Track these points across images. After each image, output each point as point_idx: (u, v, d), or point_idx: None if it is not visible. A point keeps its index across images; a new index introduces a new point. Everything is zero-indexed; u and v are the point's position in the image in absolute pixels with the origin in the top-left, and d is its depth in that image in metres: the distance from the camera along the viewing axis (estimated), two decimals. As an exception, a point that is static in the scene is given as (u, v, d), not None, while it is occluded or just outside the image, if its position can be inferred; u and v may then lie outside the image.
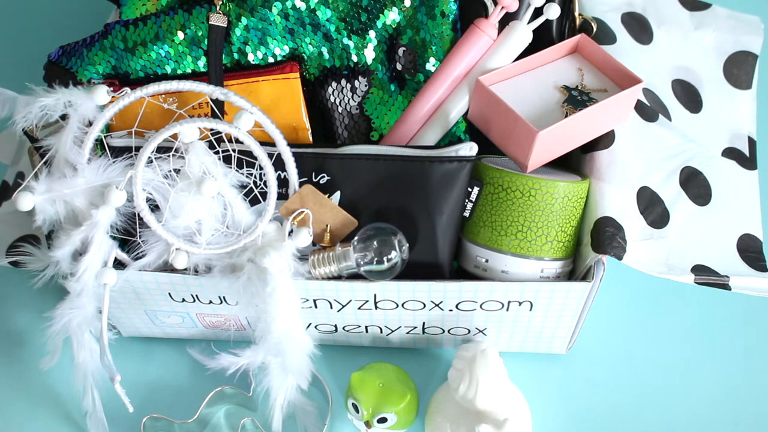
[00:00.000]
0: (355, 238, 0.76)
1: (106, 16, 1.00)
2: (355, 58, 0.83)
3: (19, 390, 0.89)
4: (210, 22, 0.81)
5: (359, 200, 0.78)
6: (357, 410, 0.82)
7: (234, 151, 0.76)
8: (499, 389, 0.80)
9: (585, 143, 0.81)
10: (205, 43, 0.82)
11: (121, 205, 0.75)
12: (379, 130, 0.84)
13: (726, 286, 0.78)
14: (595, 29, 0.86)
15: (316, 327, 0.86)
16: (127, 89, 0.76)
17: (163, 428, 0.85)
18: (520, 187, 0.77)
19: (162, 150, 0.76)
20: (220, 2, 0.81)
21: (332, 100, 0.84)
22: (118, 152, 0.78)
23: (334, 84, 0.84)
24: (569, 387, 0.89)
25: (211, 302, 0.82)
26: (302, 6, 0.81)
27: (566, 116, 0.78)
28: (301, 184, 0.78)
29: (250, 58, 0.83)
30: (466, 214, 0.80)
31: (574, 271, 0.81)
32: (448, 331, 0.86)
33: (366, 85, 0.84)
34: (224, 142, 0.77)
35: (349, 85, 0.84)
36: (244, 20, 0.81)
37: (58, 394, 0.89)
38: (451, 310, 0.81)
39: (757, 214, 0.85)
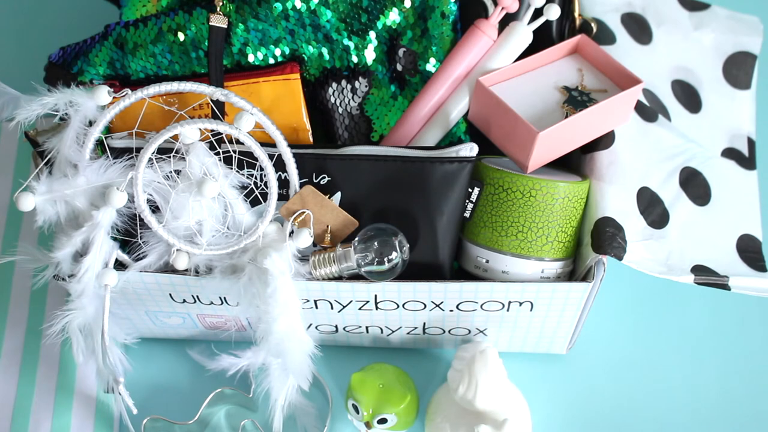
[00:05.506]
0: (356, 238, 0.76)
1: (107, 16, 1.00)
2: (355, 59, 0.83)
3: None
4: (210, 23, 0.81)
5: (360, 201, 0.78)
6: (357, 411, 0.82)
7: (235, 152, 0.76)
8: (499, 390, 0.80)
9: (585, 143, 0.81)
10: (206, 44, 0.82)
11: (122, 206, 0.75)
12: (380, 131, 0.84)
13: (726, 287, 0.78)
14: (594, 30, 0.86)
15: (316, 327, 0.86)
16: (128, 90, 0.76)
17: (164, 429, 0.85)
18: (520, 187, 0.77)
19: (163, 151, 0.76)
20: (221, 3, 0.81)
21: (332, 101, 0.84)
22: (118, 153, 0.78)
23: (334, 85, 0.84)
24: (569, 387, 0.90)
25: (211, 303, 0.82)
26: (302, 7, 0.81)
27: (566, 117, 0.78)
28: (301, 185, 0.78)
29: (251, 59, 0.83)
30: (467, 214, 0.80)
31: (575, 271, 0.81)
32: (449, 332, 0.86)
33: (366, 86, 0.84)
34: (225, 143, 0.77)
35: (349, 86, 0.84)
36: (244, 21, 0.81)
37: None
38: (451, 311, 0.81)
39: (757, 214, 0.86)
